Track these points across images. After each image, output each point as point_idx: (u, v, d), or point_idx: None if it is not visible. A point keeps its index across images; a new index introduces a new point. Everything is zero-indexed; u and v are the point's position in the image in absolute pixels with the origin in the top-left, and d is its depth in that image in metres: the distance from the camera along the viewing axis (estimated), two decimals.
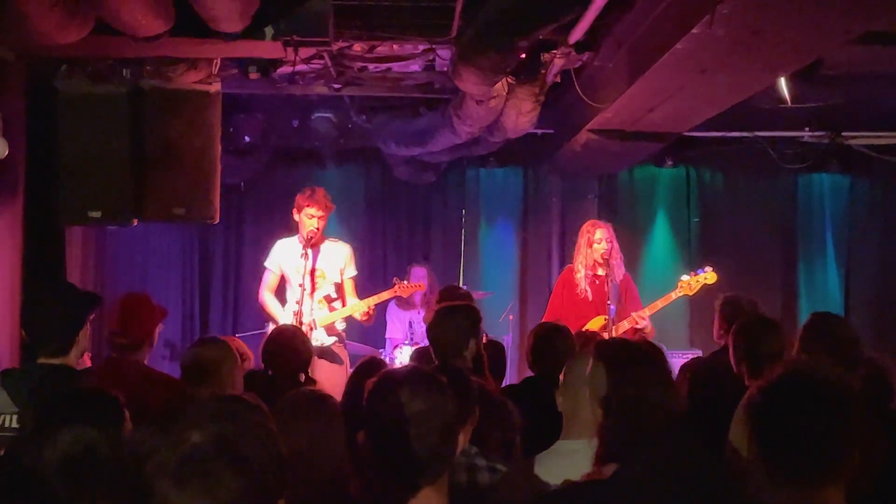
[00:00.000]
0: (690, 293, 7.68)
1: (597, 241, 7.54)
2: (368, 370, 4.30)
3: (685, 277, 7.66)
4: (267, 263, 7.58)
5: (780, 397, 2.25)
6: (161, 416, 1.71)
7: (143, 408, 2.95)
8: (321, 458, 3.18)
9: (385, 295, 7.70)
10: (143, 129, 6.59)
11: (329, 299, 7.33)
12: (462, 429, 3.29)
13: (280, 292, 7.55)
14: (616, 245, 7.63)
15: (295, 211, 7.34)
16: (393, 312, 9.25)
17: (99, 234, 8.50)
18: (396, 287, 7.77)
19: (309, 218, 7.24)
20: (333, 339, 7.36)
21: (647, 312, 7.47)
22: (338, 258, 7.44)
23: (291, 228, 7.49)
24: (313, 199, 7.26)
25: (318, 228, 7.26)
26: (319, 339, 7.12)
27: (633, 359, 2.94)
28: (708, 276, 7.61)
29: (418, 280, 8.81)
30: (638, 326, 7.37)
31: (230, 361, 4.62)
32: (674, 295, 7.58)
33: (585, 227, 7.80)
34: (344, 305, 7.45)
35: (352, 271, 7.53)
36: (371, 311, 7.49)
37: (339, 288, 7.46)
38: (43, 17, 4.71)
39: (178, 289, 10.07)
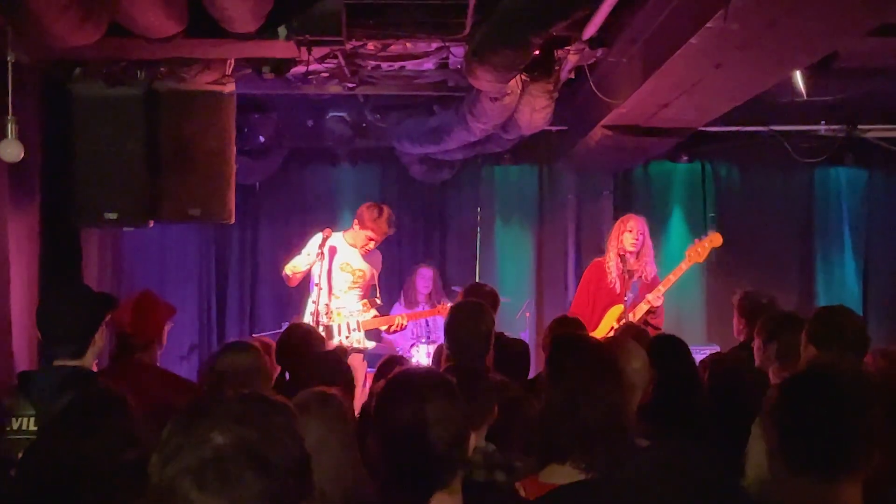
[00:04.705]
0: (700, 260, 7.60)
1: (628, 231, 7.53)
2: (391, 370, 4.27)
3: (691, 245, 7.62)
4: (305, 250, 7.46)
5: (801, 389, 2.30)
6: (186, 415, 1.71)
7: (159, 409, 2.94)
8: (327, 460, 3.16)
9: (425, 314, 8.24)
10: (157, 131, 6.60)
11: (373, 303, 7.38)
12: (476, 430, 3.28)
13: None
14: (648, 241, 7.62)
15: (356, 223, 7.40)
16: (398, 312, 9.24)
17: (115, 235, 8.51)
18: (440, 308, 7.91)
19: (367, 239, 7.39)
20: (373, 343, 7.57)
21: (661, 289, 7.41)
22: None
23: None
24: (377, 224, 7.35)
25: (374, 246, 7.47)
26: (360, 340, 7.27)
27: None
28: (713, 238, 7.55)
29: (425, 281, 9.16)
30: (655, 305, 7.33)
31: (265, 371, 4.56)
32: (684, 266, 7.50)
33: (621, 219, 7.80)
34: None
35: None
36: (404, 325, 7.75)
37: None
38: (57, 19, 4.71)
39: (195, 289, 10.10)
